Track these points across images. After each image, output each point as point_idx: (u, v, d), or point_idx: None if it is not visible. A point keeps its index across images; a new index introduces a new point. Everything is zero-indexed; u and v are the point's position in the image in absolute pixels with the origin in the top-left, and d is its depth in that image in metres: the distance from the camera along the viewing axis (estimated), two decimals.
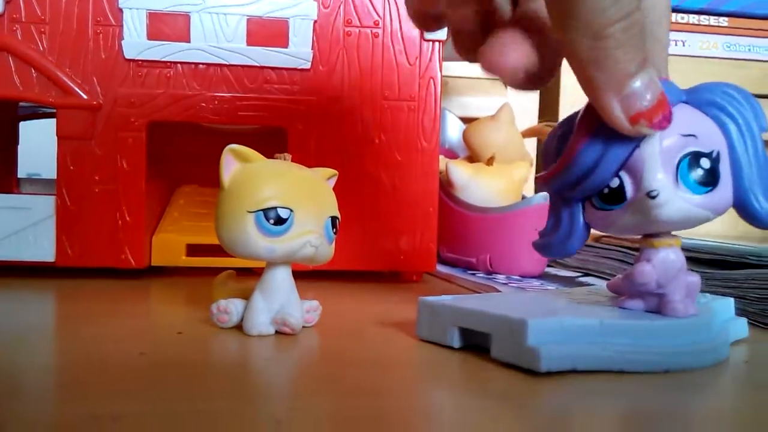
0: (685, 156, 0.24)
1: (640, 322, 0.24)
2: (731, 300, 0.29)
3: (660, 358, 0.23)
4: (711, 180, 0.24)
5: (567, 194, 0.26)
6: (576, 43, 0.22)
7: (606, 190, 0.25)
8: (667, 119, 0.23)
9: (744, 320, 0.29)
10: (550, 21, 0.22)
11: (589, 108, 0.24)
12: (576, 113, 0.25)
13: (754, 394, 0.23)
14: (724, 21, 0.69)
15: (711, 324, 0.25)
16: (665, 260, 0.25)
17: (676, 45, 0.68)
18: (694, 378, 0.23)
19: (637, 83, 0.22)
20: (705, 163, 0.24)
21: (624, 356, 0.23)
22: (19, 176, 0.53)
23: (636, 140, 0.24)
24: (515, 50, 0.23)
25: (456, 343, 0.26)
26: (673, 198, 0.24)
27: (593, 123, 0.24)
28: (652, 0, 0.24)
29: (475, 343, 0.25)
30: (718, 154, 0.24)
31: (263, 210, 0.26)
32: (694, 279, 0.26)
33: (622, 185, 0.24)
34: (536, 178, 0.27)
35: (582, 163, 0.24)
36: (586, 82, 0.22)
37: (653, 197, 0.24)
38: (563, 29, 0.22)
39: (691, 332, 0.24)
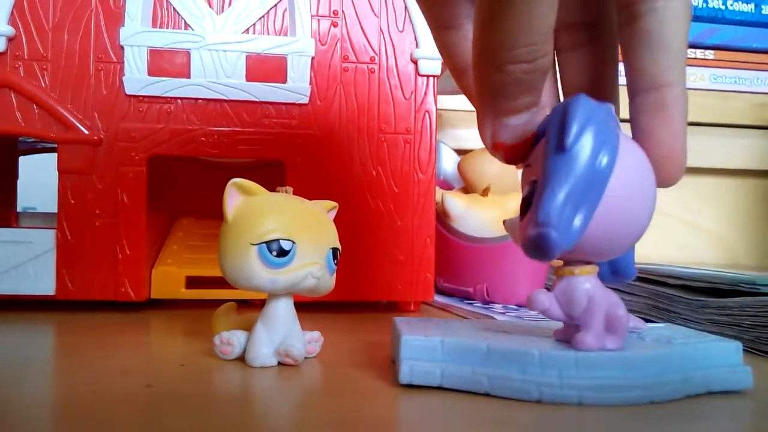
0: (527, 184, 0.24)
1: (527, 350, 0.23)
2: (735, 345, 0.26)
3: (532, 387, 0.23)
4: (526, 208, 0.24)
5: None
6: (479, 64, 0.23)
7: None
8: (520, 160, 0.25)
9: (747, 369, 0.25)
10: (472, 34, 0.23)
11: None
12: None
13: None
14: (710, 54, 0.71)
15: (630, 361, 0.23)
16: (565, 289, 0.24)
17: None
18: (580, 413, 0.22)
19: (514, 120, 0.23)
20: (525, 191, 0.24)
21: (493, 381, 0.23)
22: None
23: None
24: None
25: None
26: (515, 227, 0.25)
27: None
28: (662, 16, 0.23)
29: None
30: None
31: (266, 242, 0.26)
32: (618, 313, 0.24)
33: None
34: None
35: None
36: (477, 97, 0.24)
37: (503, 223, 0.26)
38: (475, 47, 0.23)
39: (579, 365, 0.23)
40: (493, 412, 0.22)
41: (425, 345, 0.25)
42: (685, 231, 0.74)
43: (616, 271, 0.26)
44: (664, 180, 0.24)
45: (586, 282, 0.24)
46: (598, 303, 0.24)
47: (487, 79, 0.23)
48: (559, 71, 0.27)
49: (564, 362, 0.23)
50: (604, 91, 0.27)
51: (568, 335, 0.24)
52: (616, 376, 0.23)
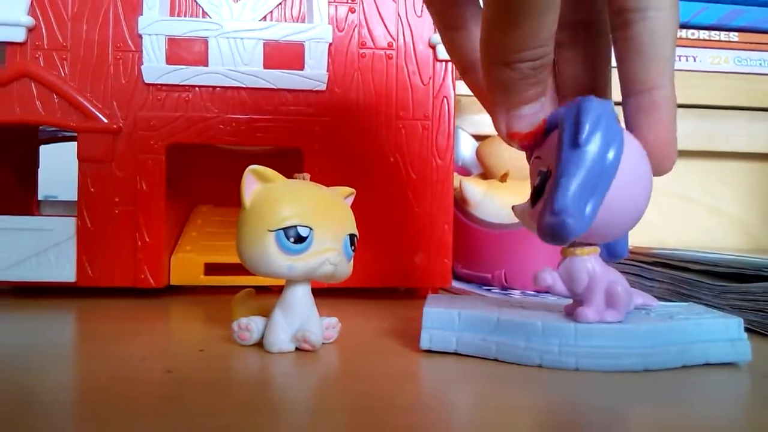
0: (538, 174, 0.26)
1: (532, 321, 0.26)
2: (736, 321, 0.28)
3: (533, 354, 0.26)
4: (537, 196, 0.26)
5: None
6: (489, 62, 0.25)
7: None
8: (534, 146, 0.26)
9: (746, 343, 0.27)
10: (480, 37, 0.25)
11: None
12: None
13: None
14: (734, 36, 0.69)
15: (626, 332, 0.25)
16: (568, 267, 0.27)
17: (687, 60, 0.68)
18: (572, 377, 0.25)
19: (525, 110, 0.26)
20: (536, 181, 0.26)
21: (501, 348, 0.26)
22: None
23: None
24: None
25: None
26: (525, 213, 0.27)
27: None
28: (652, 24, 0.25)
29: None
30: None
31: (283, 229, 0.27)
32: (617, 290, 0.26)
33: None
34: None
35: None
36: (489, 94, 0.26)
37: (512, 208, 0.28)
38: (484, 48, 0.24)
39: (576, 335, 0.25)
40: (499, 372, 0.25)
41: (444, 316, 0.28)
42: (707, 215, 0.73)
43: (612, 252, 0.28)
44: (659, 170, 0.26)
45: (587, 261, 0.26)
46: (598, 280, 0.26)
47: (496, 75, 0.25)
48: (557, 64, 0.29)
49: (564, 332, 0.26)
50: (597, 83, 0.29)
51: (573, 310, 0.27)
52: (611, 345, 0.25)
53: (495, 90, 0.25)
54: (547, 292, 0.46)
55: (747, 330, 0.33)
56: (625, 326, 0.26)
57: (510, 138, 0.26)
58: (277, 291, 0.29)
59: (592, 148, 0.24)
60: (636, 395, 0.23)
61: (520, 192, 0.49)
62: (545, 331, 0.26)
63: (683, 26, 0.68)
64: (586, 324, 0.26)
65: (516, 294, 0.45)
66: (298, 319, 0.28)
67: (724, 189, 0.74)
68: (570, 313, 0.27)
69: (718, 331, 0.27)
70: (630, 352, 0.25)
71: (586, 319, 0.26)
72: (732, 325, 0.27)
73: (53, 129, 0.52)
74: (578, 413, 0.21)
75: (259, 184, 0.28)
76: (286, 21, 0.43)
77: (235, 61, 0.42)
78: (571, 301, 0.28)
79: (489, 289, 0.47)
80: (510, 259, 0.47)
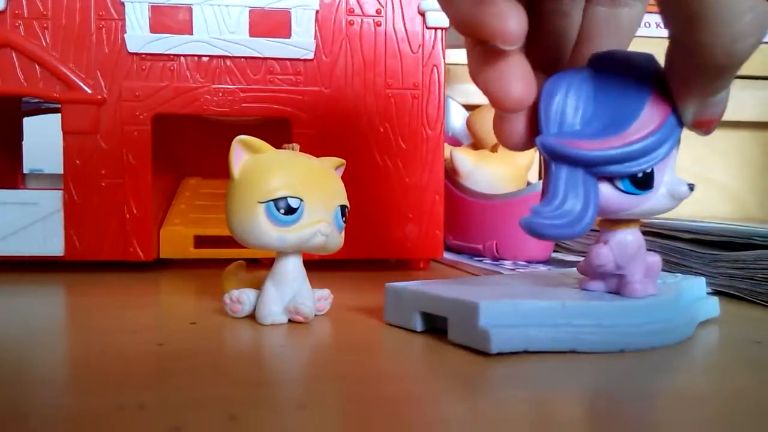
0: None
1: (599, 303, 0.24)
2: (702, 279, 0.30)
3: (615, 338, 0.24)
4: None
5: (599, 170, 0.24)
6: (708, 48, 0.21)
7: (641, 175, 0.24)
8: (713, 129, 0.25)
9: (715, 299, 0.29)
10: (671, 24, 0.22)
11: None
12: (581, 69, 0.25)
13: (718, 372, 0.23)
14: None
15: (672, 303, 0.26)
16: (622, 242, 0.25)
17: None
18: (654, 357, 0.23)
19: (717, 96, 0.23)
20: None
21: (577, 336, 0.23)
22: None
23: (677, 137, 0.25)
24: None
25: (419, 327, 0.26)
26: None
27: (665, 113, 0.24)
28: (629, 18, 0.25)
29: (437, 326, 0.26)
30: None
31: (274, 200, 0.26)
32: (655, 260, 0.26)
33: (653, 172, 0.25)
34: (550, 144, 0.24)
35: (647, 146, 0.24)
36: (685, 83, 0.23)
37: (692, 189, 0.26)
38: (697, 39, 0.21)
39: (649, 312, 0.25)
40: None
41: (503, 310, 0.23)
42: (696, 185, 0.74)
43: None
44: None
45: (634, 233, 0.26)
46: (642, 253, 0.26)
47: (709, 64, 0.22)
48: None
49: (633, 311, 0.24)
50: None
51: (607, 285, 0.26)
52: (662, 319, 0.25)
53: (697, 78, 0.22)
54: (539, 262, 0.46)
55: (738, 298, 0.34)
56: (668, 298, 0.25)
57: (697, 127, 0.24)
58: (267, 264, 0.29)
59: None
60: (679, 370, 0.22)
61: (511, 162, 0.49)
62: (615, 311, 0.24)
63: None
64: (646, 300, 0.25)
65: (507, 265, 0.45)
66: (290, 290, 0.28)
67: (713, 158, 0.74)
68: (595, 289, 0.26)
69: (698, 291, 0.29)
70: (673, 325, 0.25)
71: (639, 294, 0.25)
72: (701, 284, 0.29)
73: (37, 100, 0.51)
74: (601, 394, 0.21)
75: (248, 155, 0.27)
76: None
77: (220, 29, 0.41)
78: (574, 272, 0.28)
79: (480, 260, 0.47)
80: (501, 230, 0.47)
